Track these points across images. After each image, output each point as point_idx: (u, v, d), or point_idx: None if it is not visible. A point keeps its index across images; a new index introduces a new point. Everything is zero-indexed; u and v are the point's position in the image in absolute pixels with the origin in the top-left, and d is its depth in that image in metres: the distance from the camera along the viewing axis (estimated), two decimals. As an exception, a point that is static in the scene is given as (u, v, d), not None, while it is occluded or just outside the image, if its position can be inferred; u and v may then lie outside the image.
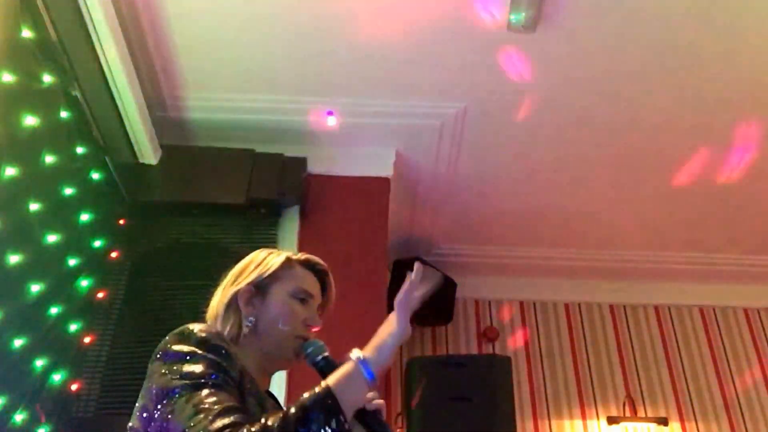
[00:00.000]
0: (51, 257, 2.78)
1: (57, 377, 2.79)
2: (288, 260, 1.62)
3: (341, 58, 3.48)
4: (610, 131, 3.91)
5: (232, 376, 1.36)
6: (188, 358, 1.35)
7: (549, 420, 4.61)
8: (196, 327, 1.42)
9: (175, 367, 1.33)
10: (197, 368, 1.32)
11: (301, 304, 1.58)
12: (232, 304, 1.55)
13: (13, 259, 2.49)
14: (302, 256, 1.66)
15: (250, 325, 1.53)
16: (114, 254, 3.40)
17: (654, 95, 3.67)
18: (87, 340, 3.09)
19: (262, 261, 1.61)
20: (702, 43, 3.37)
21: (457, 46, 3.41)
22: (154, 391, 1.32)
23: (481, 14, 3.19)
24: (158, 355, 1.39)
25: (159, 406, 1.29)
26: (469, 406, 3.39)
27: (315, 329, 1.59)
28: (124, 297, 3.40)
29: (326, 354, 1.53)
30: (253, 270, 1.59)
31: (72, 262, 2.96)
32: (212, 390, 1.29)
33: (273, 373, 1.63)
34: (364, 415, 1.41)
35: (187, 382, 1.30)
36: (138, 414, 1.35)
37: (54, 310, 2.78)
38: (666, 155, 4.06)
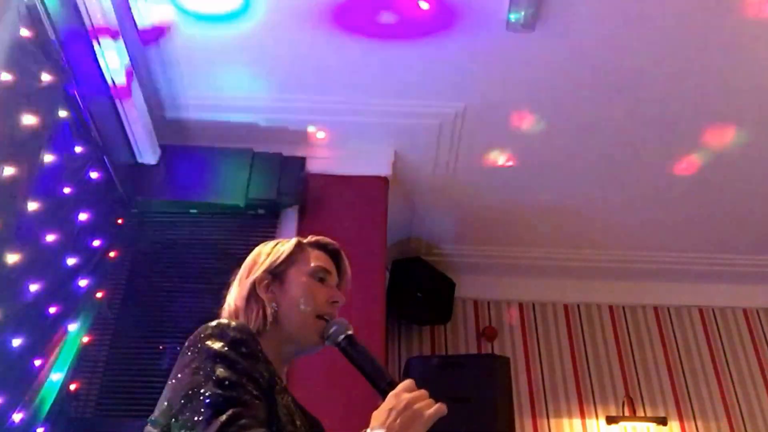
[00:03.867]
0: (49, 257, 2.77)
1: (55, 377, 2.78)
2: (299, 243, 1.63)
3: (340, 58, 3.48)
4: (609, 130, 3.91)
5: (262, 387, 1.34)
6: (221, 359, 1.32)
7: (548, 419, 4.61)
8: (232, 324, 1.40)
9: (207, 367, 1.31)
10: (230, 375, 1.29)
11: (320, 284, 1.58)
12: (252, 294, 1.55)
13: (12, 258, 2.48)
14: (312, 238, 1.67)
15: (273, 311, 1.52)
16: (112, 254, 3.39)
17: (653, 94, 3.67)
18: (85, 339, 3.09)
19: (272, 249, 1.62)
20: (702, 42, 3.37)
21: (456, 46, 3.41)
22: (183, 390, 1.30)
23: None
24: (191, 348, 1.36)
25: (185, 405, 1.27)
26: (468, 406, 3.39)
27: (339, 304, 1.58)
28: (122, 297, 3.40)
29: (349, 333, 1.51)
30: (266, 258, 1.59)
31: (70, 261, 2.95)
32: (240, 410, 1.25)
33: (292, 360, 1.61)
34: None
35: (218, 391, 1.27)
36: (163, 406, 1.33)
37: (52, 310, 2.77)
38: (666, 154, 4.06)
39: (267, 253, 1.61)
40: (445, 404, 1.36)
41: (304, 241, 1.65)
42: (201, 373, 1.30)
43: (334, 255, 1.66)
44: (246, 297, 1.55)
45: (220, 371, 1.29)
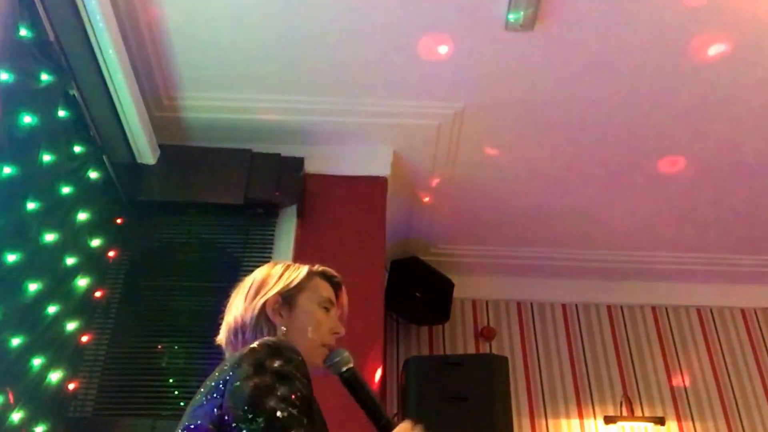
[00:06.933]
0: (49, 256, 2.78)
1: (54, 376, 2.79)
2: (309, 271, 1.68)
3: (339, 58, 3.48)
4: (608, 131, 3.92)
5: (312, 406, 1.39)
6: (282, 377, 1.35)
7: (546, 419, 4.62)
8: (285, 344, 1.44)
9: (269, 383, 1.34)
10: (289, 394, 1.34)
11: (325, 313, 1.64)
12: (262, 315, 1.58)
13: (11, 258, 2.49)
14: (319, 267, 1.71)
15: (282, 334, 1.55)
16: (112, 253, 3.40)
17: (652, 95, 3.67)
18: (84, 339, 3.09)
19: (283, 273, 1.65)
20: (703, 43, 3.37)
21: (455, 46, 3.41)
22: (245, 401, 1.31)
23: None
24: (247, 364, 1.37)
25: (249, 417, 1.29)
26: (466, 405, 3.40)
27: (339, 335, 1.64)
28: (121, 296, 3.40)
29: (351, 365, 1.59)
30: (277, 281, 1.63)
31: (70, 261, 2.95)
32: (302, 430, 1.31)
33: None
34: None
35: (283, 408, 1.30)
36: (211, 413, 1.33)
37: (51, 309, 2.77)
38: (664, 155, 4.07)
39: (278, 275, 1.65)
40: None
41: (313, 269, 1.69)
42: (264, 389, 1.33)
43: (336, 286, 1.71)
44: (256, 317, 1.57)
45: (283, 390, 1.33)
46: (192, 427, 1.34)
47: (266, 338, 1.46)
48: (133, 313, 3.34)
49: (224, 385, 1.35)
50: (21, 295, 2.57)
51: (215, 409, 1.33)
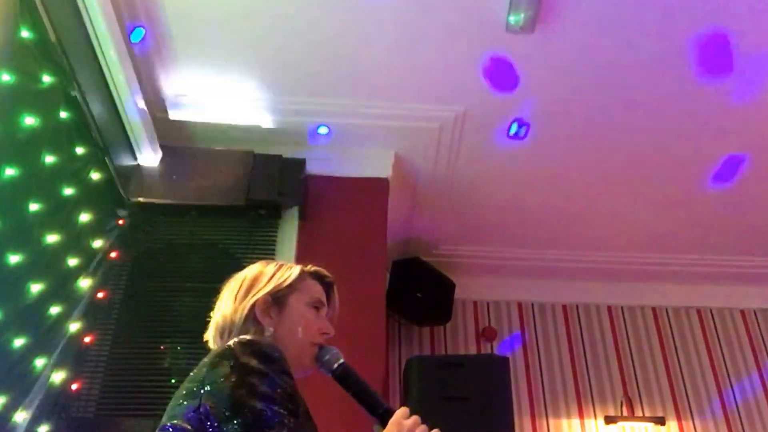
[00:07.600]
0: (51, 257, 2.79)
1: (57, 377, 2.80)
2: (301, 272, 1.66)
3: (341, 60, 3.49)
4: (608, 133, 3.93)
5: (297, 404, 1.38)
6: (262, 376, 1.34)
7: (547, 419, 4.62)
8: (264, 342, 1.44)
9: (250, 382, 1.33)
10: (272, 392, 1.33)
11: (315, 313, 1.63)
12: (251, 315, 1.57)
13: (14, 259, 2.50)
14: (311, 267, 1.71)
15: (270, 335, 1.54)
16: (113, 254, 3.40)
17: (653, 98, 3.68)
18: (87, 340, 3.10)
19: (275, 273, 1.64)
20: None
21: (456, 49, 3.42)
22: (227, 401, 1.30)
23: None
24: (227, 362, 1.36)
25: (232, 417, 1.29)
26: (467, 405, 3.39)
27: (329, 336, 1.63)
28: (123, 297, 3.40)
29: (342, 361, 1.57)
30: (269, 281, 1.62)
31: (72, 262, 2.96)
32: (286, 428, 1.30)
33: None
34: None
35: (266, 406, 1.30)
36: (188, 413, 1.33)
37: (54, 310, 2.78)
38: (664, 156, 4.08)
39: (270, 275, 1.63)
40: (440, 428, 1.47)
41: (305, 269, 1.68)
42: (244, 387, 1.32)
43: (327, 286, 1.70)
44: (245, 316, 1.57)
45: (264, 388, 1.32)
46: (171, 427, 1.33)
47: (243, 337, 1.45)
48: (136, 313, 3.35)
49: (202, 385, 1.35)
50: (24, 296, 2.58)
51: (194, 411, 1.32)
